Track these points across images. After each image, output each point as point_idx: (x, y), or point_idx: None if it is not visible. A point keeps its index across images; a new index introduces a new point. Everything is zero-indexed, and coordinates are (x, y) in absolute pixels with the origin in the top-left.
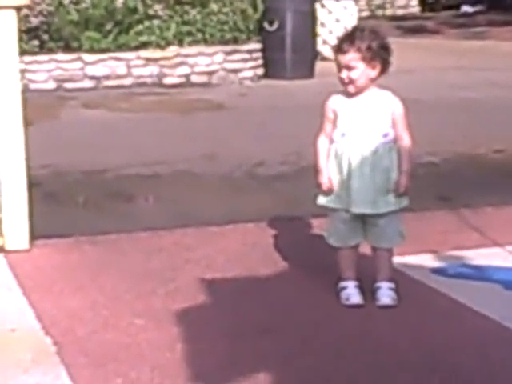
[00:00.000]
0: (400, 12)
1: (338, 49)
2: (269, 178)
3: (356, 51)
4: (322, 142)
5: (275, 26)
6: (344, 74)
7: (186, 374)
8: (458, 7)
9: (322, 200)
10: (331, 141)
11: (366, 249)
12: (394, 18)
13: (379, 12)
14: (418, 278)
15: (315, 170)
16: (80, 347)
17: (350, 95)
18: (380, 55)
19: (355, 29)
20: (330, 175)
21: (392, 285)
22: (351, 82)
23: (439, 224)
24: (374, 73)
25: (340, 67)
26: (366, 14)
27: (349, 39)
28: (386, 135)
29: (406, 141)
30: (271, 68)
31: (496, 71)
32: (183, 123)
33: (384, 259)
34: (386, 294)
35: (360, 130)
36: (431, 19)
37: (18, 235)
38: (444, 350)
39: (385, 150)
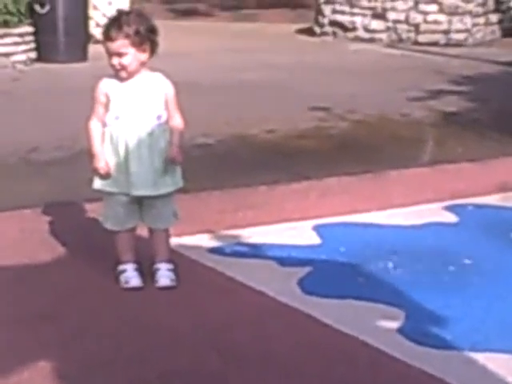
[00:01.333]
0: None
1: (107, 36)
2: (44, 163)
3: (125, 37)
4: (95, 126)
5: (47, 8)
6: (115, 60)
7: None
8: None
9: (97, 184)
10: (104, 124)
11: (143, 231)
12: (167, 0)
13: None
14: (196, 258)
15: (90, 155)
16: None
17: (122, 79)
18: (149, 38)
19: (120, 14)
20: (106, 159)
21: (171, 266)
22: (123, 68)
23: (215, 204)
24: (144, 56)
25: (110, 54)
26: None
27: (116, 25)
28: (159, 117)
29: (177, 119)
30: (44, 51)
31: (267, 52)
32: None
33: (161, 240)
34: (164, 275)
35: (134, 112)
36: (203, 2)
37: None
38: (222, 328)
39: (160, 131)
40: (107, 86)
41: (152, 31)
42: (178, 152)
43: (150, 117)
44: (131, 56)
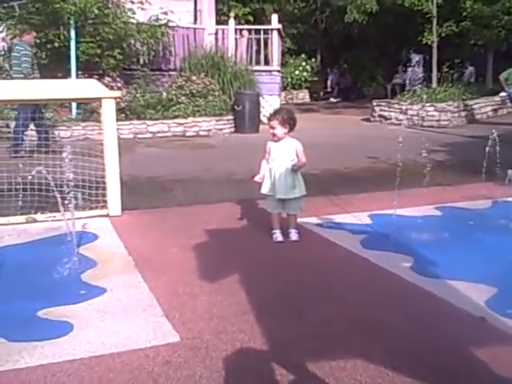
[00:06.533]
0: (300, 101)
1: (269, 118)
2: (237, 181)
3: (275, 119)
4: (263, 163)
5: (240, 107)
6: (271, 130)
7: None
8: (328, 99)
9: (263, 190)
10: (267, 162)
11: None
12: (297, 104)
13: (290, 101)
14: (309, 228)
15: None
16: (147, 262)
17: (275, 141)
18: (288, 122)
19: (277, 109)
20: (263, 177)
21: (296, 231)
22: (274, 135)
23: (319, 202)
24: (285, 130)
25: (270, 127)
26: (283, 102)
27: (273, 114)
28: (292, 160)
29: (303, 160)
30: (238, 128)
31: (345, 129)
32: (194, 154)
33: (293, 219)
34: (294, 235)
35: (280, 157)
36: (315, 105)
37: (115, 208)
38: (323, 260)
39: (291, 167)
40: (269, 144)
41: (291, 118)
42: (298, 167)
43: (287, 160)
44: (278, 129)
